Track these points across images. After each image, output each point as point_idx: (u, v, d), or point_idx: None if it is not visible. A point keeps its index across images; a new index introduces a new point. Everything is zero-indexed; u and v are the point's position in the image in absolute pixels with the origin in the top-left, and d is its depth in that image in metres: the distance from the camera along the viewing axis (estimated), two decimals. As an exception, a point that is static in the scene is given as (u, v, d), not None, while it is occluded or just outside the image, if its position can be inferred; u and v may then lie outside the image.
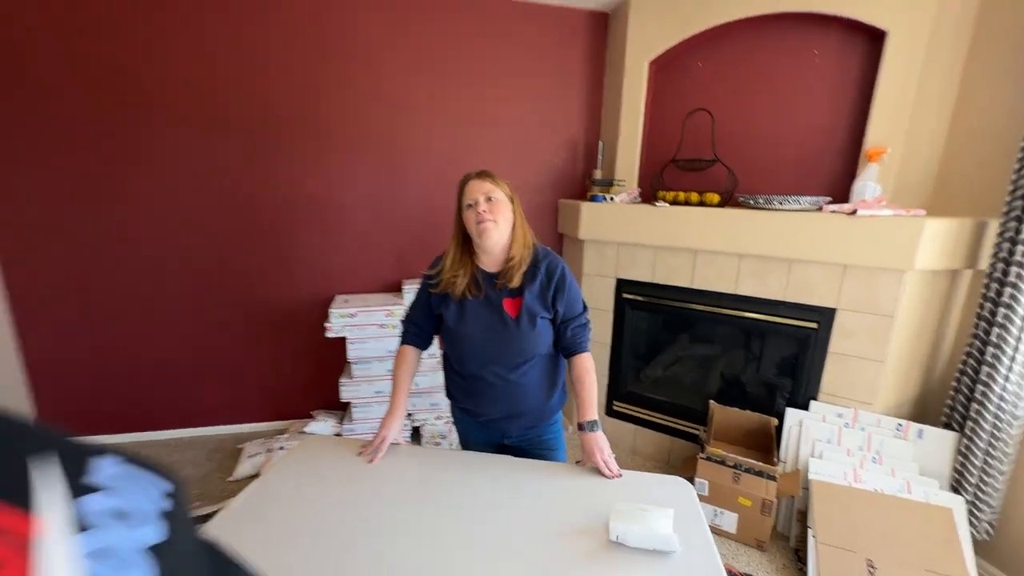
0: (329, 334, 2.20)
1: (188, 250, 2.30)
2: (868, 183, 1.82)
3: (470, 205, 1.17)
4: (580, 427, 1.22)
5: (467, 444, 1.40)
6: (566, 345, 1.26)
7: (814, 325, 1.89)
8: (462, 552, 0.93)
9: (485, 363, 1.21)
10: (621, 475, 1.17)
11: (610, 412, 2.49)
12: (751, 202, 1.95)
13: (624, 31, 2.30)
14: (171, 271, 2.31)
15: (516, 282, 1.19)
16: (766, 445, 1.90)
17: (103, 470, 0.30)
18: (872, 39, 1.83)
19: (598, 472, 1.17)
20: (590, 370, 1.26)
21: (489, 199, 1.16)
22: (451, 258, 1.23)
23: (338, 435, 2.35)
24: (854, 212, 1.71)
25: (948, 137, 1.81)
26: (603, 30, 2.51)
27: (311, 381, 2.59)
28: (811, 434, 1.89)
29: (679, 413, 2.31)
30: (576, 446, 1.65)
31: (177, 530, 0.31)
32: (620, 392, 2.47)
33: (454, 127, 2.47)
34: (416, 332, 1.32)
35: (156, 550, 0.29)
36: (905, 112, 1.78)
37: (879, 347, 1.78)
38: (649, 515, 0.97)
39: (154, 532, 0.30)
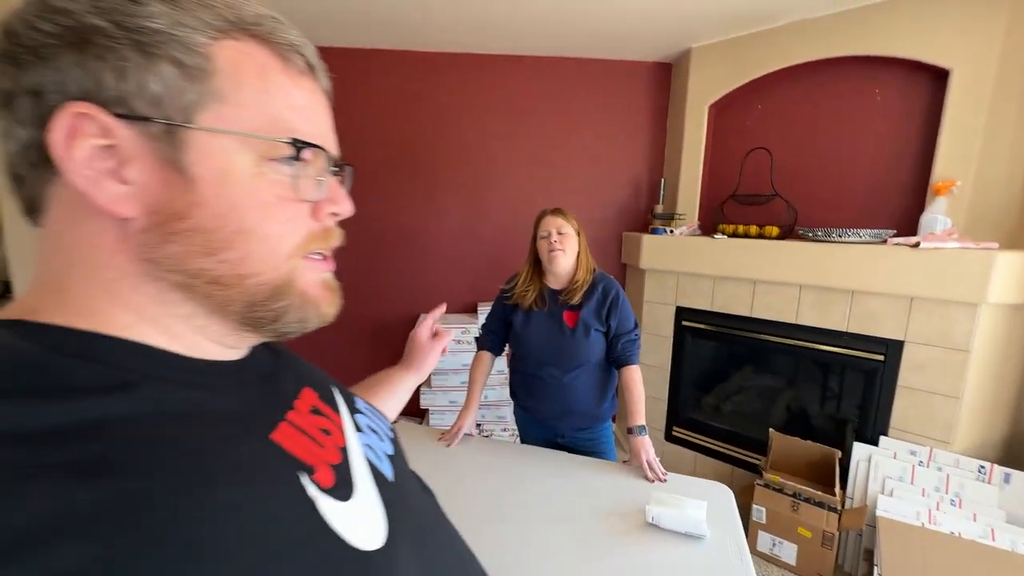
0: (414, 346, 2.54)
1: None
2: (937, 216, 1.82)
3: (544, 236, 1.44)
4: (629, 431, 1.38)
5: (526, 441, 1.61)
6: (617, 357, 1.45)
7: (880, 357, 1.87)
8: (516, 524, 1.13)
9: (543, 364, 1.44)
10: (666, 479, 1.31)
11: (669, 437, 2.55)
12: (810, 235, 2.01)
13: (686, 79, 2.51)
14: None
15: (577, 300, 1.43)
16: (828, 478, 1.88)
17: (360, 403, 0.48)
18: (936, 77, 1.87)
19: (644, 474, 1.31)
20: (638, 381, 1.43)
21: (560, 232, 1.42)
22: (524, 277, 1.51)
23: (416, 438, 2.65)
24: (917, 245, 1.72)
25: (1029, 169, 1.76)
26: (666, 78, 2.74)
27: (395, 389, 2.95)
28: (881, 470, 1.84)
29: (740, 442, 2.32)
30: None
31: (399, 451, 0.47)
32: (680, 418, 2.53)
33: (527, 169, 2.79)
34: (491, 339, 1.58)
35: (391, 457, 0.44)
36: (974, 145, 1.78)
37: (953, 382, 1.73)
38: (684, 503, 1.11)
39: (391, 447, 0.46)
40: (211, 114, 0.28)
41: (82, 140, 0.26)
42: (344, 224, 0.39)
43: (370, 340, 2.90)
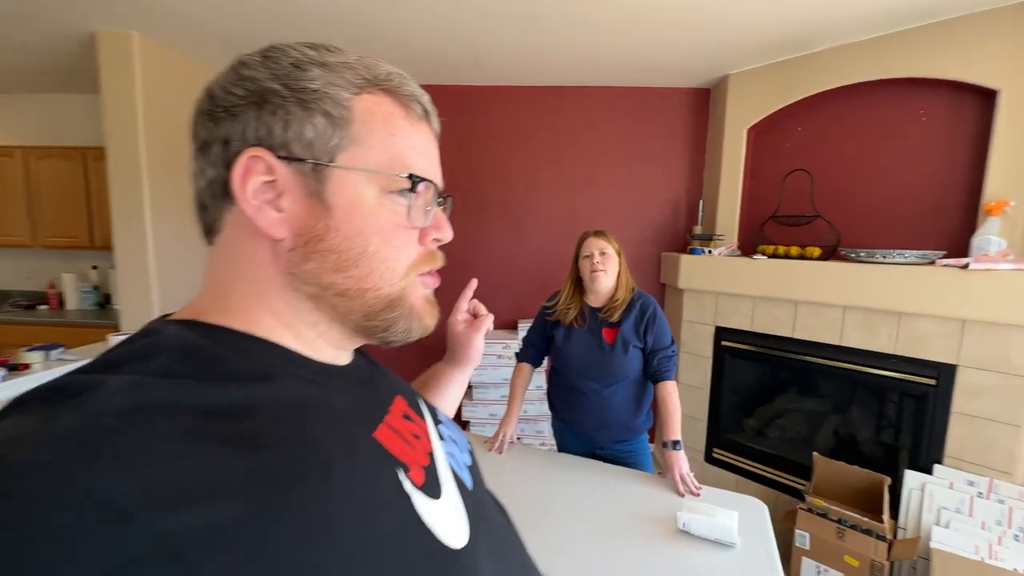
0: (457, 360, 2.68)
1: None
2: (990, 237, 1.77)
3: (586, 256, 1.53)
4: (664, 445, 1.43)
5: (564, 452, 1.68)
6: (653, 372, 1.51)
7: (932, 381, 1.82)
8: (553, 528, 1.21)
9: (583, 377, 1.52)
10: (699, 492, 1.34)
11: (709, 459, 2.52)
12: (854, 255, 2.00)
13: (724, 104, 2.57)
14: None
15: (616, 317, 1.51)
16: (876, 506, 1.81)
17: (442, 415, 0.51)
18: (983, 97, 1.85)
19: (676, 488, 1.35)
20: (674, 396, 1.48)
21: (603, 253, 1.51)
22: (565, 294, 1.60)
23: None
24: (966, 266, 1.68)
25: (1093, 188, 1.70)
26: (704, 102, 2.80)
27: (439, 401, 3.09)
28: (936, 500, 1.76)
29: (784, 466, 2.27)
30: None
31: (476, 464, 0.50)
32: (721, 440, 2.50)
33: (569, 192, 2.92)
34: (532, 352, 1.68)
35: (470, 468, 0.47)
36: (1029, 165, 1.74)
37: (1014, 410, 1.65)
38: (715, 511, 1.15)
39: (469, 459, 0.49)
40: (348, 154, 0.35)
41: (253, 177, 0.33)
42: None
43: (415, 355, 3.05)
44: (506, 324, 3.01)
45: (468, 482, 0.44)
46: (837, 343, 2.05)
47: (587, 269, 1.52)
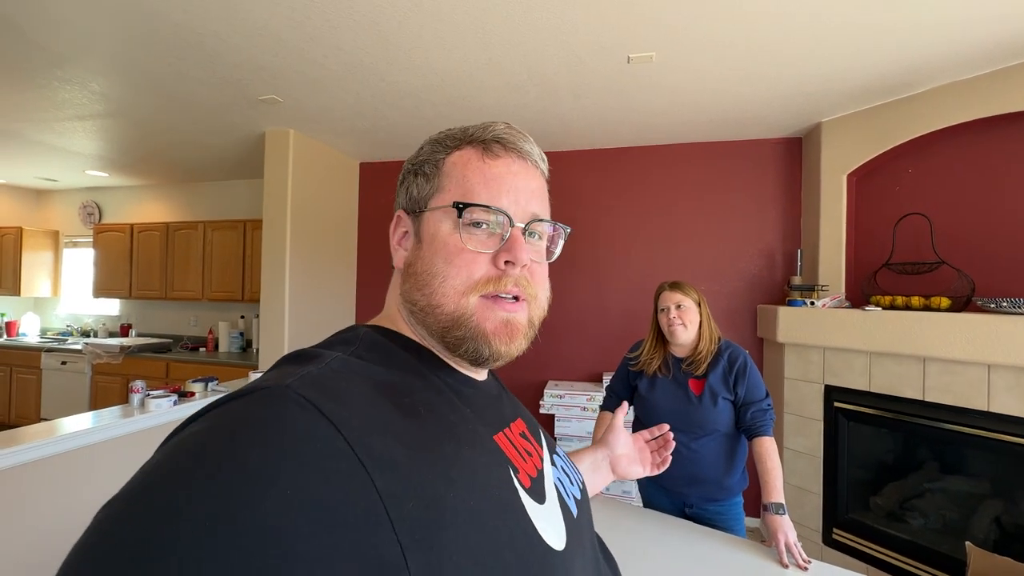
0: (542, 410, 2.72)
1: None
2: None
3: (663, 310, 1.53)
4: (764, 508, 1.31)
5: (649, 508, 1.60)
6: (747, 427, 1.42)
7: None
8: None
9: (671, 429, 1.47)
10: (809, 565, 1.20)
11: (828, 541, 2.19)
12: (993, 305, 1.74)
13: (818, 151, 2.48)
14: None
15: (702, 370, 1.47)
16: (1066, 618, 1.43)
17: (559, 450, 0.56)
18: None
19: (780, 558, 1.21)
20: (772, 453, 1.37)
21: (679, 306, 1.49)
22: (648, 345, 1.60)
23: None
24: None
25: None
26: (796, 151, 2.73)
27: (522, 452, 3.10)
28: None
29: (927, 559, 1.90)
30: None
31: (586, 499, 0.53)
32: (841, 519, 2.17)
33: (655, 246, 2.94)
34: (615, 400, 1.68)
35: (577, 501, 0.50)
36: None
37: None
38: (824, 587, 1.02)
39: (579, 493, 0.52)
40: (434, 200, 0.45)
41: (396, 229, 0.49)
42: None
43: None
44: (590, 376, 3.00)
45: (573, 510, 0.47)
46: (984, 408, 1.74)
47: (665, 323, 1.51)
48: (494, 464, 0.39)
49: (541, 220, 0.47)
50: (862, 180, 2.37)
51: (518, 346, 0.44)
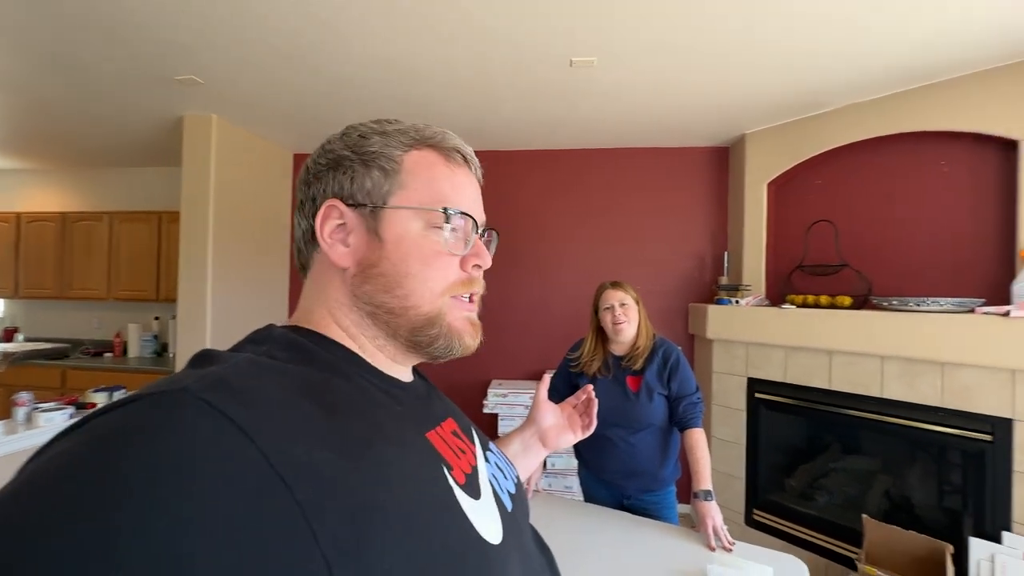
0: (485, 410, 2.70)
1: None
2: (1031, 284, 1.72)
3: (607, 308, 1.56)
4: (694, 496, 1.39)
5: (591, 502, 1.64)
6: (679, 419, 1.50)
7: (987, 437, 1.70)
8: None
9: (609, 425, 1.52)
10: (732, 547, 1.28)
11: (750, 521, 2.36)
12: (886, 304, 1.96)
13: (743, 161, 2.67)
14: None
15: (639, 365, 1.53)
16: (940, 576, 1.65)
17: (493, 446, 0.56)
18: (1005, 146, 1.87)
19: (707, 542, 1.29)
20: (702, 443, 1.45)
21: (623, 304, 1.55)
22: (588, 346, 1.63)
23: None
24: (1007, 313, 1.63)
25: None
26: (724, 160, 2.92)
27: (466, 453, 3.07)
28: (1010, 573, 1.59)
29: (833, 532, 2.11)
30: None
31: (521, 495, 0.53)
32: (761, 501, 2.36)
33: (596, 246, 3.03)
34: (556, 398, 1.67)
35: (512, 496, 0.50)
36: (1062, 212, 1.71)
37: (1084, 469, 1.52)
38: (748, 567, 1.10)
39: (513, 488, 0.52)
40: (396, 197, 0.43)
41: (329, 221, 0.43)
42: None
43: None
44: (534, 375, 3.03)
45: (508, 505, 0.47)
46: (879, 395, 1.96)
47: (609, 321, 1.55)
48: (427, 462, 0.38)
49: (488, 228, 0.50)
50: (780, 188, 2.58)
51: (478, 341, 0.47)
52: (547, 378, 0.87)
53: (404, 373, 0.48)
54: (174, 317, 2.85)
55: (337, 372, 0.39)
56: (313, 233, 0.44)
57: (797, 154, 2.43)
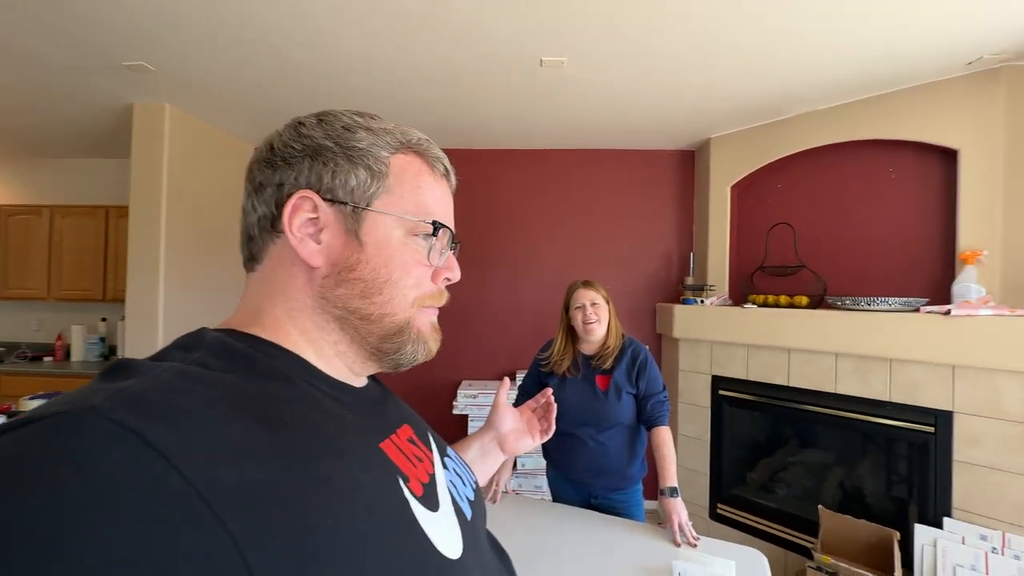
0: (455, 411, 2.67)
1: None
2: (970, 284, 1.83)
3: (578, 307, 1.56)
4: (660, 493, 1.41)
5: (559, 502, 1.64)
6: (646, 418, 1.52)
7: (930, 429, 1.80)
8: (548, 575, 1.18)
9: (579, 424, 1.52)
10: (697, 542, 1.31)
11: (714, 516, 2.43)
12: (839, 303, 2.05)
13: (708, 164, 2.74)
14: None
15: (608, 364, 1.53)
16: (888, 562, 1.73)
17: (451, 451, 0.54)
18: (946, 155, 1.99)
19: (673, 538, 1.31)
20: (668, 441, 1.48)
21: (594, 303, 1.55)
22: (558, 346, 1.63)
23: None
24: (948, 312, 1.73)
25: (1061, 238, 1.78)
26: (690, 164, 3.00)
27: (436, 455, 3.02)
28: (950, 557, 1.69)
29: (793, 523, 2.19)
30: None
31: (479, 501, 0.52)
32: (724, 495, 2.43)
33: (565, 246, 3.04)
34: (526, 399, 1.69)
35: (471, 502, 0.49)
36: (996, 216, 1.83)
37: (1014, 458, 1.63)
38: (711, 561, 1.12)
39: (472, 494, 0.50)
40: (382, 201, 0.41)
41: (300, 213, 0.39)
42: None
43: (417, 403, 3.03)
44: (503, 374, 3.02)
45: (467, 512, 0.46)
46: (833, 391, 2.05)
47: (579, 320, 1.55)
48: (381, 476, 0.36)
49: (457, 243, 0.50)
50: (743, 192, 2.67)
51: (439, 344, 0.47)
52: (507, 381, 0.86)
53: (357, 380, 0.45)
54: (123, 318, 2.68)
55: (280, 380, 0.36)
56: (273, 222, 0.40)
57: (759, 159, 2.51)
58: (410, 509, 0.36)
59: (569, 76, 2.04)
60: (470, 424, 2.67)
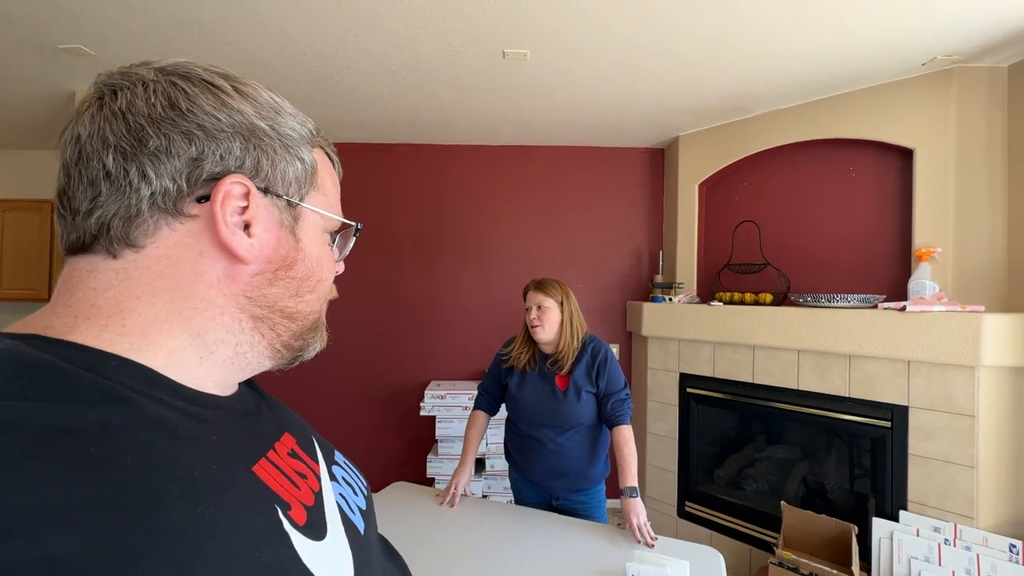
0: (422, 412, 2.61)
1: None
2: (924, 281, 1.87)
3: (527, 309, 1.54)
4: (620, 492, 1.39)
5: (521, 504, 1.61)
6: (608, 417, 1.49)
7: (887, 424, 1.83)
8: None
9: (538, 425, 1.49)
10: (655, 542, 1.29)
11: (682, 513, 2.43)
12: (801, 300, 2.07)
13: (676, 162, 2.75)
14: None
15: (566, 368, 1.50)
16: (847, 556, 1.75)
17: (339, 456, 0.50)
18: (903, 154, 2.02)
19: (633, 537, 1.30)
20: (629, 441, 1.45)
21: (540, 307, 1.51)
22: (519, 341, 1.60)
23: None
24: (903, 308, 1.76)
25: (1009, 236, 1.82)
26: (659, 161, 3.00)
27: (401, 457, 2.95)
28: (905, 549, 1.72)
29: (758, 519, 2.20)
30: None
31: (371, 509, 0.48)
32: (692, 492, 2.43)
33: (537, 244, 3.01)
34: (486, 399, 1.65)
35: (363, 512, 0.46)
36: (948, 214, 1.87)
37: (964, 450, 1.67)
38: (665, 561, 1.10)
39: (364, 503, 0.47)
40: (312, 198, 0.40)
41: (231, 201, 0.34)
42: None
43: (381, 404, 2.97)
44: (473, 375, 2.97)
45: (360, 526, 0.43)
46: (795, 387, 2.07)
47: (528, 321, 1.54)
48: (251, 512, 0.30)
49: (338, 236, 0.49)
50: (710, 190, 2.68)
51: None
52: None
53: (226, 387, 0.38)
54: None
55: (112, 402, 0.27)
56: (176, 201, 0.33)
57: (726, 157, 2.53)
58: (290, 545, 0.31)
59: (533, 69, 2.01)
60: (437, 425, 2.61)
